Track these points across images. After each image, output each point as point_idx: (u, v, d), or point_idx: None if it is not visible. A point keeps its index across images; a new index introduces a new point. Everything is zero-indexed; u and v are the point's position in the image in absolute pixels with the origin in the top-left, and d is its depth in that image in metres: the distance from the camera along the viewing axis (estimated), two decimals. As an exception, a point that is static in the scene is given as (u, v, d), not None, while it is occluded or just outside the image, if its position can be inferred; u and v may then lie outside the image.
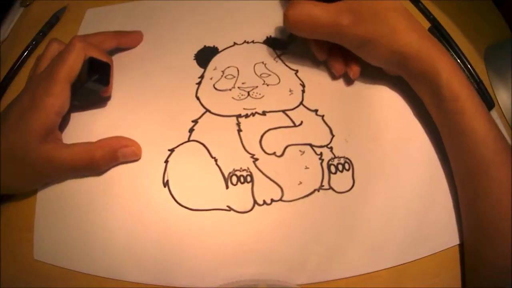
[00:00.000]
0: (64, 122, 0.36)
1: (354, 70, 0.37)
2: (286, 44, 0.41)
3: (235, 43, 0.41)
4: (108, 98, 0.38)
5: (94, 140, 0.35)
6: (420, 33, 0.33)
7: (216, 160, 0.35)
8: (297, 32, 0.35)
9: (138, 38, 0.42)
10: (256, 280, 0.31)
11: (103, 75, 0.35)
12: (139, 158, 0.35)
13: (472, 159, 0.31)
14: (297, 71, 0.39)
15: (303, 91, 0.38)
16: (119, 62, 0.41)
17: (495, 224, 0.30)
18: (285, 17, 0.34)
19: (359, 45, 0.34)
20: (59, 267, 0.33)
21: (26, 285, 0.33)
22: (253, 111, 0.37)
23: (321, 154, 0.35)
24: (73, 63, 0.33)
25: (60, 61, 0.33)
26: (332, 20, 0.32)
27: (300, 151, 0.36)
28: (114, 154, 0.34)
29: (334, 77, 0.39)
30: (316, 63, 0.40)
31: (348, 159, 0.35)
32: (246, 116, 0.37)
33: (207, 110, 0.38)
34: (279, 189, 0.34)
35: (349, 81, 0.39)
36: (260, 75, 0.39)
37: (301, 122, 0.37)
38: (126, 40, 0.41)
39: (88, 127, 0.37)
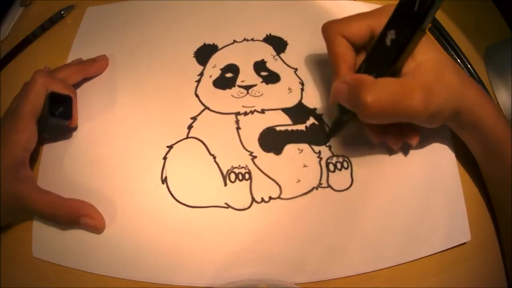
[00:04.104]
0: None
1: (415, 138, 0.33)
2: (330, 136, 0.36)
3: (234, 41, 0.41)
4: (75, 129, 0.37)
5: (93, 135, 0.35)
6: (466, 82, 0.31)
7: (214, 157, 0.35)
8: (376, 121, 0.30)
9: (103, 65, 0.41)
10: (256, 280, 0.31)
11: (65, 108, 0.35)
12: (100, 233, 0.33)
13: None
14: (296, 69, 0.40)
15: (302, 90, 0.38)
16: (119, 60, 0.41)
17: None
18: (365, 105, 0.27)
19: (425, 120, 0.30)
20: (58, 264, 0.33)
21: (26, 282, 0.33)
22: (252, 109, 0.37)
23: (319, 152, 0.35)
24: (35, 99, 0.33)
25: (22, 98, 0.33)
26: (406, 100, 0.28)
27: (298, 149, 0.35)
28: (76, 218, 0.32)
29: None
30: (316, 61, 0.40)
31: (347, 158, 0.35)
32: (245, 114, 0.37)
33: (206, 108, 0.38)
34: (277, 187, 0.34)
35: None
36: (260, 73, 0.39)
37: (300, 120, 0.37)
38: (92, 70, 0.40)
39: (89, 125, 0.38)
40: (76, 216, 0.32)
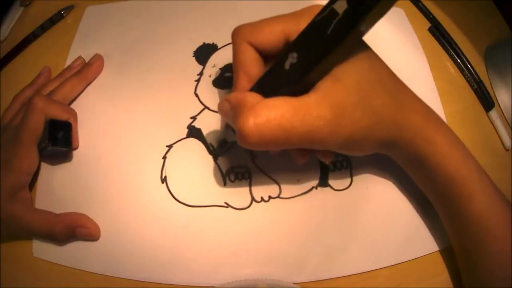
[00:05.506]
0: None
1: (328, 156, 0.30)
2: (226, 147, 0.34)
3: (234, 41, 0.41)
4: (75, 149, 0.37)
5: (93, 132, 0.35)
6: (407, 107, 0.27)
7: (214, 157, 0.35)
8: (262, 148, 0.24)
9: (100, 65, 0.40)
10: (255, 280, 0.31)
11: (65, 135, 0.35)
12: (97, 239, 0.33)
13: (469, 238, 0.28)
14: (296, 68, 0.39)
15: (302, 89, 0.38)
16: (118, 60, 0.41)
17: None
18: (242, 133, 0.23)
19: (340, 147, 0.26)
20: (58, 264, 0.33)
21: (26, 282, 0.33)
22: (252, 109, 0.37)
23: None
24: (35, 125, 0.33)
25: (22, 124, 0.33)
26: (307, 127, 0.23)
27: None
28: (71, 231, 0.32)
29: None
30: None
31: (346, 157, 0.35)
32: (245, 113, 0.37)
33: (206, 107, 0.38)
34: (277, 186, 0.34)
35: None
36: (259, 72, 0.39)
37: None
38: (91, 74, 0.40)
39: (88, 125, 0.37)
40: (71, 229, 0.32)
